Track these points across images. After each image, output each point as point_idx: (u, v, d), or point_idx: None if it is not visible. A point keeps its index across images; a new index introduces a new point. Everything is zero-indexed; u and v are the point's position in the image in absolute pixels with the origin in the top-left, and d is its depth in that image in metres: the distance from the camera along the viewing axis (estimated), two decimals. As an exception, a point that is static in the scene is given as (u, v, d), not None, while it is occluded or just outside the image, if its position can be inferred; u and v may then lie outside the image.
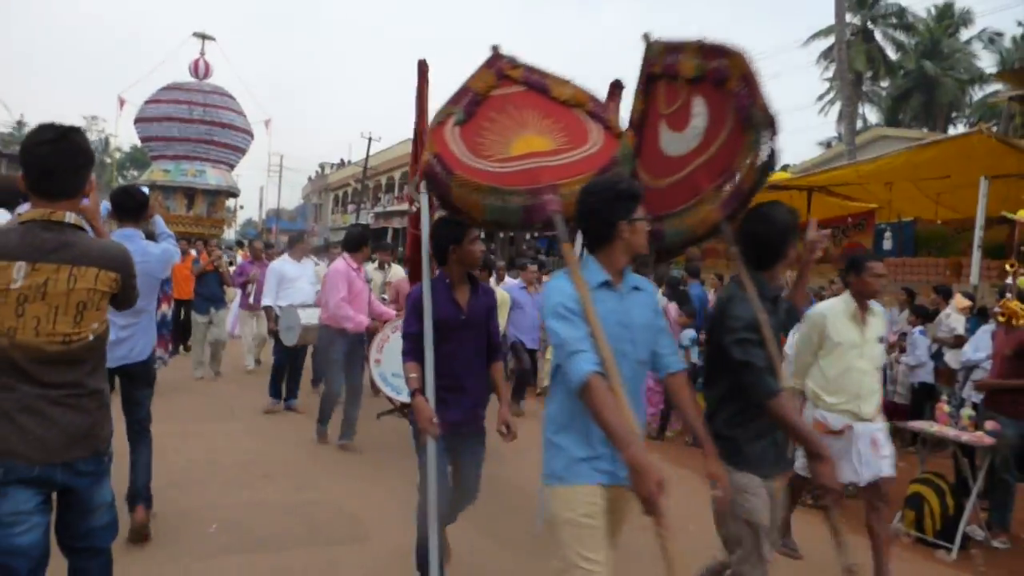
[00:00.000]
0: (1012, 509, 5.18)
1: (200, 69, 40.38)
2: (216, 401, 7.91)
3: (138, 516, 3.76)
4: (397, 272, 8.48)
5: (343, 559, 3.91)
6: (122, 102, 39.57)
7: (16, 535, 2.17)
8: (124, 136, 76.31)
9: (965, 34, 34.49)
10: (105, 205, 5.14)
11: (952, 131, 30.03)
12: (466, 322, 3.28)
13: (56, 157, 2.33)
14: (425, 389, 3.15)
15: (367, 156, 37.36)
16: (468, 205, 3.23)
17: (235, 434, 6.47)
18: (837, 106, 31.50)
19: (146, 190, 5.35)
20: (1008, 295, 5.20)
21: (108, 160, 63.03)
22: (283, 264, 7.78)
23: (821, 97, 36.37)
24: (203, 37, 38.28)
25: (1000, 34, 33.44)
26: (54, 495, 2.32)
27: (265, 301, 7.65)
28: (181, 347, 10.92)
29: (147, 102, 39.02)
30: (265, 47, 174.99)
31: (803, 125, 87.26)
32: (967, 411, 5.14)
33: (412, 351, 3.23)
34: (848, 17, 26.08)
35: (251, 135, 42.06)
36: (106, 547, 2.50)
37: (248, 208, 60.81)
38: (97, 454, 2.36)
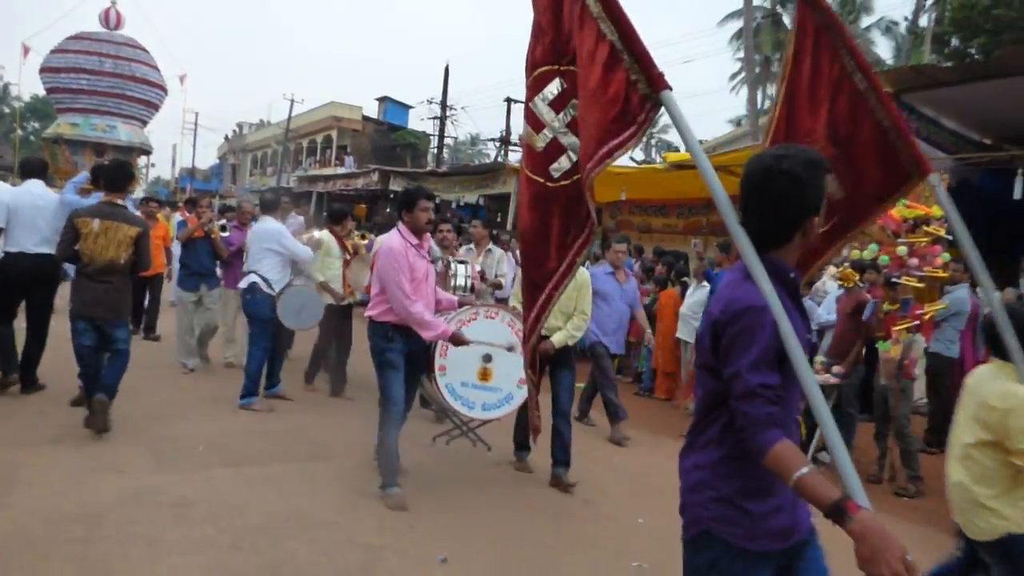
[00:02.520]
0: (853, 436, 6.40)
1: (111, 19, 38.59)
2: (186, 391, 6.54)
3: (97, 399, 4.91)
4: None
5: (317, 471, 4.67)
6: (26, 50, 37.42)
7: (83, 339, 4.94)
8: (26, 86, 71.62)
9: (865, 21, 36.81)
10: (84, 175, 6.01)
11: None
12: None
13: (116, 170, 5.28)
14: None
15: (289, 118, 36.86)
16: None
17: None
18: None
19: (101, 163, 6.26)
20: (845, 264, 6.35)
21: (7, 110, 59.40)
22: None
23: (733, 76, 38.15)
24: (115, -15, 36.44)
25: (896, 23, 35.85)
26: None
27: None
28: (142, 329, 8.75)
29: (53, 51, 37.10)
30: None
31: (719, 106, 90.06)
32: (819, 358, 6.29)
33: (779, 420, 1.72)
34: (758, 1, 27.60)
35: (165, 91, 40.59)
36: (125, 350, 5.07)
37: (160, 166, 58.69)
38: (120, 317, 5.07)
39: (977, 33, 18.85)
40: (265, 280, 6.14)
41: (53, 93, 38.25)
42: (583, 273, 5.14)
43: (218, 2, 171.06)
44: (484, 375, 4.71)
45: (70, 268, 5.61)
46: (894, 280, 5.78)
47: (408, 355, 4.31)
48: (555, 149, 2.57)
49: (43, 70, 37.02)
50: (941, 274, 5.57)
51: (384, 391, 4.26)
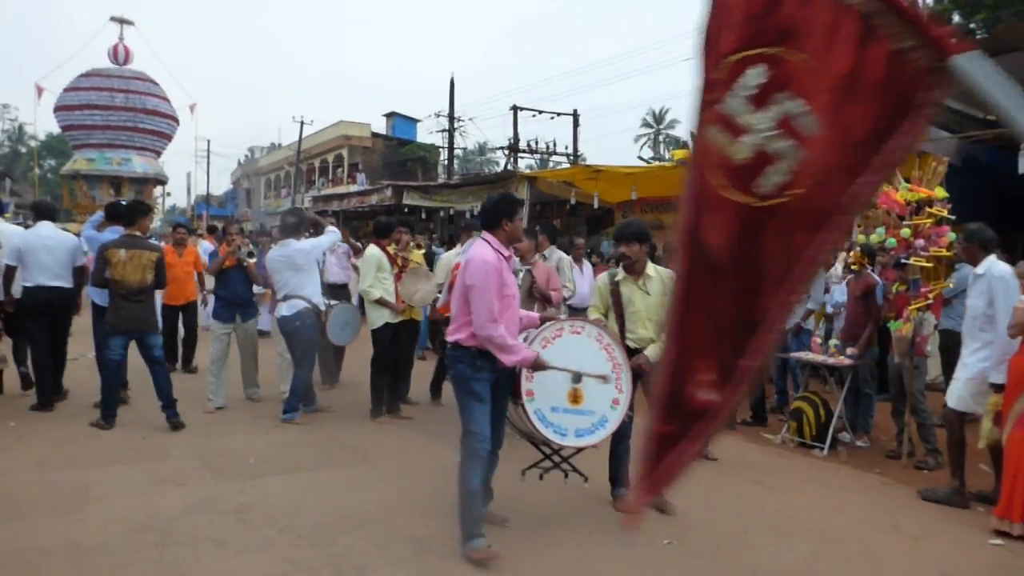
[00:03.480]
0: (872, 416, 6.60)
1: (120, 54, 39.31)
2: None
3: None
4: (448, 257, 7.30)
5: (359, 475, 4.98)
6: (40, 90, 38.27)
7: (115, 353, 5.83)
8: (41, 125, 73.18)
9: None
10: (100, 214, 6.60)
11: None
12: None
13: (131, 208, 6.23)
14: None
15: (300, 139, 37.42)
16: None
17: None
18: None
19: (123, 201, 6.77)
20: (856, 248, 6.55)
21: (24, 150, 60.63)
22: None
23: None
24: (121, 21, 37.30)
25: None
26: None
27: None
28: (178, 364, 8.48)
29: (66, 90, 37.86)
30: (187, 30, 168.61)
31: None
32: (833, 341, 6.49)
33: None
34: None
35: (176, 121, 41.25)
36: (161, 360, 6.06)
37: (175, 195, 59.59)
38: (151, 328, 6.06)
39: (978, 9, 18.95)
40: (311, 302, 6.22)
41: (68, 131, 39.04)
42: (662, 272, 4.58)
43: (222, 31, 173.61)
44: (575, 397, 4.19)
45: (94, 294, 6.49)
46: (903, 261, 5.98)
47: (495, 384, 3.87)
48: (762, 158, 1.95)
49: (57, 109, 37.83)
50: (946, 253, 5.75)
51: (468, 425, 3.79)
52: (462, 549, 3.68)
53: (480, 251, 3.79)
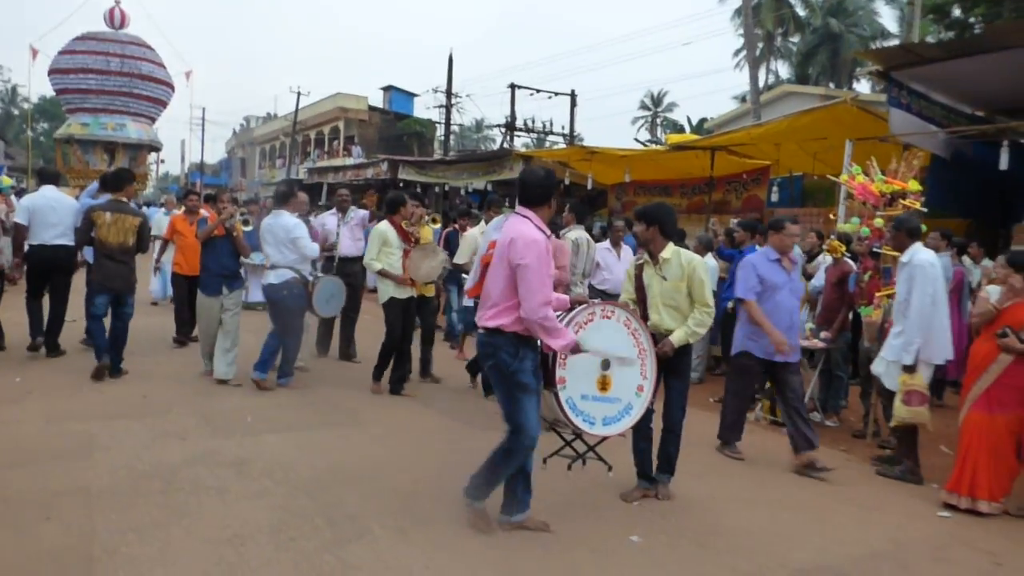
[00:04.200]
0: (843, 398, 6.91)
1: (116, 18, 38.93)
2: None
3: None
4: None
5: (351, 435, 5.27)
6: (35, 52, 37.90)
7: (99, 309, 6.34)
8: (35, 87, 72.57)
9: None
10: (95, 185, 7.03)
11: (856, 86, 32.30)
12: None
13: (116, 175, 6.71)
14: None
15: (296, 111, 37.32)
16: None
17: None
18: (750, 63, 33.33)
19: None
20: (832, 236, 6.82)
21: (17, 112, 60.14)
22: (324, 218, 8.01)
23: (737, 52, 38.34)
24: (119, -16, 36.83)
25: (900, -8, 35.79)
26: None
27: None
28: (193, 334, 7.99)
29: (61, 52, 37.49)
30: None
31: (727, 83, 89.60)
32: (809, 325, 6.78)
33: None
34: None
35: (172, 87, 40.94)
36: (128, 316, 6.53)
37: (169, 163, 59.28)
38: (129, 288, 6.48)
39: (977, 3, 19.11)
40: (299, 272, 6.35)
41: (63, 94, 38.67)
42: (691, 256, 4.39)
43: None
44: (604, 384, 4.07)
45: (88, 253, 6.87)
46: (875, 250, 6.25)
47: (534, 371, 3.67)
48: None
49: (52, 72, 37.46)
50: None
51: (518, 419, 3.57)
52: (468, 506, 3.70)
53: (524, 228, 3.57)
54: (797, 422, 5.20)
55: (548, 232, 3.68)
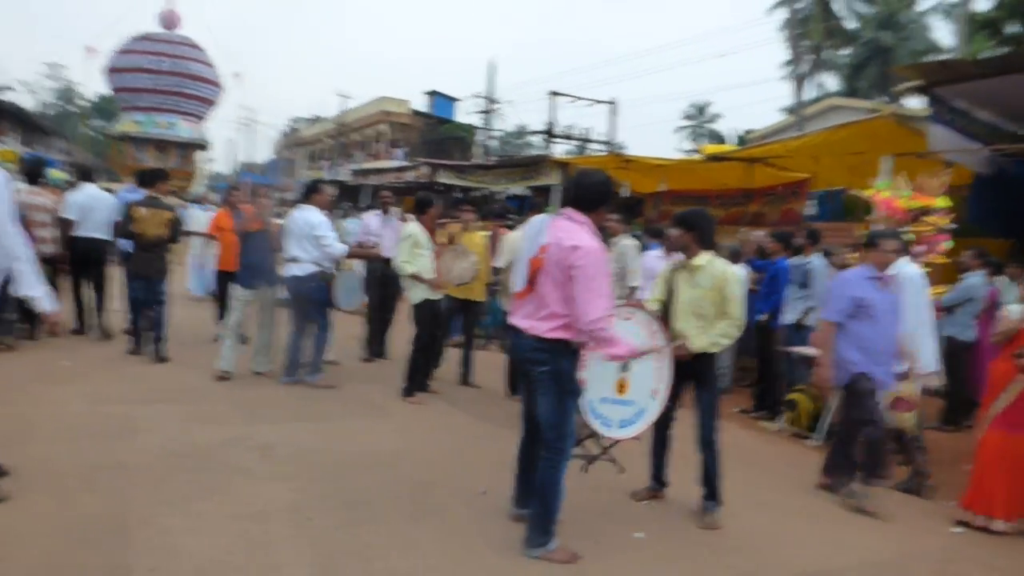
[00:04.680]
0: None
1: (170, 19, 40.14)
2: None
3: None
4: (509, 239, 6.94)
5: (375, 427, 5.50)
6: (90, 51, 39.35)
7: (137, 292, 7.07)
8: (90, 85, 75.13)
9: (924, 2, 36.07)
10: (132, 185, 7.60)
11: (905, 101, 31.71)
12: None
13: (151, 173, 7.76)
14: None
15: (341, 113, 38.04)
16: None
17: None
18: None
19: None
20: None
21: (74, 109, 62.35)
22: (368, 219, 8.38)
23: (786, 63, 37.88)
24: (173, -13, 38.02)
25: (956, 5, 35.02)
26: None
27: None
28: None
29: (119, 52, 38.77)
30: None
31: (774, 94, 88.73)
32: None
33: None
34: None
35: (221, 87, 42.03)
36: (163, 297, 7.14)
37: (217, 162, 60.83)
38: (161, 276, 7.16)
39: (1034, 17, 18.67)
40: (321, 266, 6.34)
41: (119, 92, 39.96)
42: (724, 268, 4.25)
43: (270, 2, 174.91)
44: (621, 387, 4.10)
45: (122, 244, 7.67)
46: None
47: None
48: None
49: (109, 70, 38.77)
50: (943, 260, 6.01)
51: (564, 427, 3.51)
52: (536, 552, 3.46)
53: (583, 236, 3.41)
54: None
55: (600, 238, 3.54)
